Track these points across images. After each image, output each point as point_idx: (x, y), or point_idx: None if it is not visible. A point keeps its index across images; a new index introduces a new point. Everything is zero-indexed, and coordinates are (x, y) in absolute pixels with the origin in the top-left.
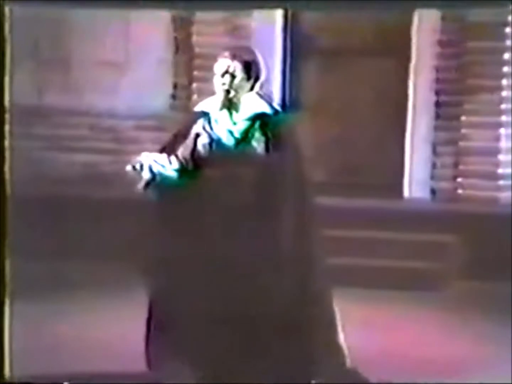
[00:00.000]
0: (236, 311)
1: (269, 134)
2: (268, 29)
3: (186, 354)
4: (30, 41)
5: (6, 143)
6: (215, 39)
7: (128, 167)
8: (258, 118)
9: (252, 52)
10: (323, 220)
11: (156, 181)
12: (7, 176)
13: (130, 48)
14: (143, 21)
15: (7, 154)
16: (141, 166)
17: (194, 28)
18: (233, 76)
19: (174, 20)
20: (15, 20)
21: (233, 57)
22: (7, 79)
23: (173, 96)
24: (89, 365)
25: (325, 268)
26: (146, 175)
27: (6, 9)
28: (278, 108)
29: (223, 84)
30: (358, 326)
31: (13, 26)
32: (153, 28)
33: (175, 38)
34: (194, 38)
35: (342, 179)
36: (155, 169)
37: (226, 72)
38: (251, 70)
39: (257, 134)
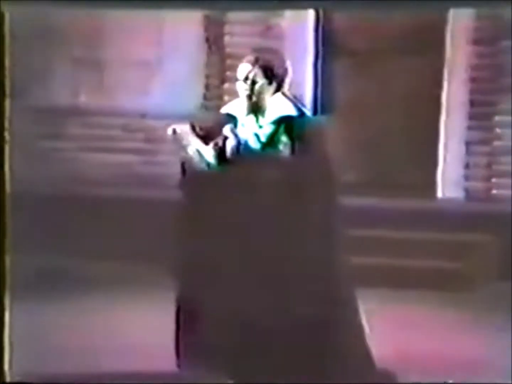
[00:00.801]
0: (262, 311)
1: (295, 137)
2: (300, 29)
3: (213, 354)
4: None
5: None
6: (247, 39)
7: (169, 131)
8: (284, 121)
9: (275, 54)
10: (355, 221)
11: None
12: (6, 175)
13: (162, 49)
14: (175, 21)
15: (7, 150)
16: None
17: (226, 28)
18: (254, 82)
19: (206, 20)
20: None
21: (253, 62)
22: (7, 79)
23: (205, 96)
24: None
25: (355, 269)
26: (191, 150)
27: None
28: (304, 109)
29: (246, 89)
30: (389, 327)
31: (12, 27)
32: (186, 28)
33: (207, 38)
34: (226, 38)
35: (375, 180)
36: (200, 149)
37: (247, 77)
38: (273, 74)
39: (283, 138)
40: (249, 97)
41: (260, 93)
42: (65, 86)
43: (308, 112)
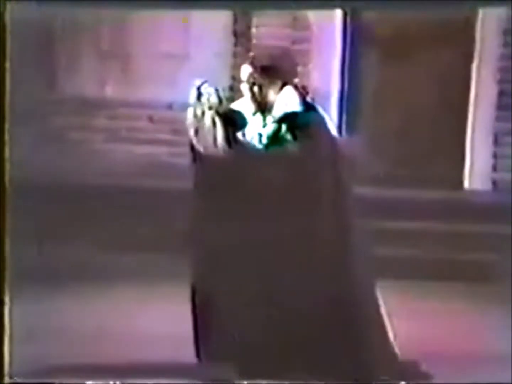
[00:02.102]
0: (279, 300)
1: (298, 134)
2: (327, 19)
3: (232, 345)
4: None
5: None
6: (274, 30)
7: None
8: (287, 119)
9: (280, 50)
10: (382, 212)
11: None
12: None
13: (189, 40)
14: (202, 13)
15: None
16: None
17: (253, 20)
18: (254, 83)
19: (233, 11)
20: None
21: (252, 64)
22: (7, 78)
23: (232, 88)
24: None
25: (380, 260)
26: (207, 118)
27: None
28: (311, 103)
29: (249, 89)
30: (414, 319)
31: (13, 25)
32: (213, 20)
33: (234, 29)
34: (253, 30)
35: (402, 170)
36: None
37: (248, 79)
38: (275, 71)
39: (287, 136)
40: (253, 98)
41: (262, 93)
42: (92, 78)
43: (316, 106)
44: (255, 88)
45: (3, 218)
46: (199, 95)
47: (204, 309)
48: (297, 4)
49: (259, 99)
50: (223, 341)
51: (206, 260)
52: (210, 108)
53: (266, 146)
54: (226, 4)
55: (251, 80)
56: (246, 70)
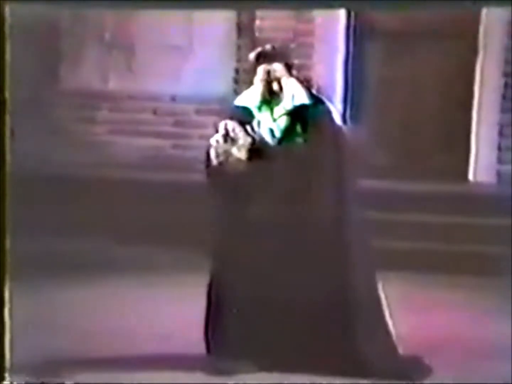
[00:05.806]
0: (289, 296)
1: (309, 127)
2: (331, 11)
3: (243, 340)
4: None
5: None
6: (277, 23)
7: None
8: (297, 112)
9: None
10: (386, 204)
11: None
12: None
13: (193, 33)
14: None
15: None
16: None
17: (257, 12)
18: (271, 81)
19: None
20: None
21: (267, 61)
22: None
23: (236, 81)
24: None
25: (385, 253)
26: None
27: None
28: (317, 94)
29: (265, 86)
30: (418, 312)
31: (13, 24)
32: (216, 13)
33: (238, 22)
34: (257, 22)
35: (407, 163)
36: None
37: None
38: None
39: (297, 128)
40: (269, 94)
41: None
42: (96, 70)
43: (322, 98)
44: (275, 85)
45: (4, 210)
46: (226, 135)
47: (217, 304)
48: (299, 4)
49: (275, 94)
50: (232, 335)
51: (221, 254)
52: (239, 145)
53: (280, 141)
54: (229, 4)
55: (269, 77)
56: (263, 69)
